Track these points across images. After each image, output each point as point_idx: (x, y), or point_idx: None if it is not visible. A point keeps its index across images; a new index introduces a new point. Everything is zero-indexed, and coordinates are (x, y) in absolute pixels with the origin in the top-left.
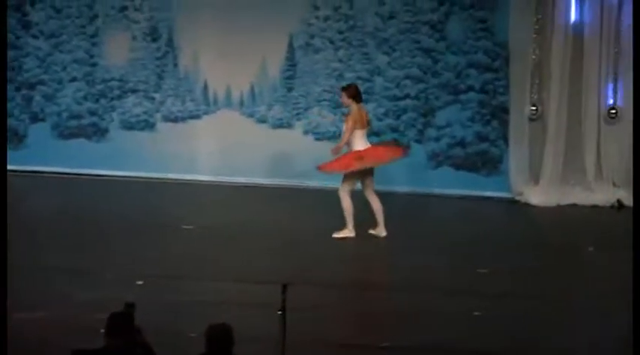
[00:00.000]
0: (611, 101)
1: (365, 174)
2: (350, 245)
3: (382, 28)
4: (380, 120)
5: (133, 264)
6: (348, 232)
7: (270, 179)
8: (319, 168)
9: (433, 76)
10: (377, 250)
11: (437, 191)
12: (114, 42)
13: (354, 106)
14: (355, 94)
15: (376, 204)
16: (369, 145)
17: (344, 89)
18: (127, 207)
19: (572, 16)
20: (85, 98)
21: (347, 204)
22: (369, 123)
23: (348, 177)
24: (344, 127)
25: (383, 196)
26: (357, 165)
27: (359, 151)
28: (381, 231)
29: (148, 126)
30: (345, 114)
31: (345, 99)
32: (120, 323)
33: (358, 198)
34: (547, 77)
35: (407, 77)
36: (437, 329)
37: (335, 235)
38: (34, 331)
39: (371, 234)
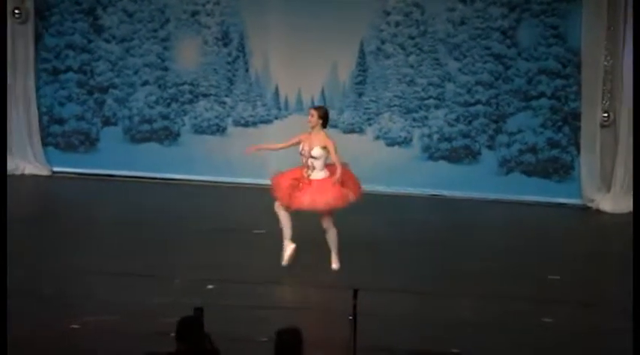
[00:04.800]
0: None
1: None
2: (416, 251)
3: (453, 34)
4: (451, 125)
5: (204, 268)
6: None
7: None
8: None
9: (504, 82)
10: (445, 257)
11: (508, 197)
12: (185, 46)
13: (320, 130)
14: (325, 118)
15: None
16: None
17: (315, 109)
18: (197, 212)
19: None
20: (157, 102)
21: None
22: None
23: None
24: (332, 156)
25: (452, 202)
26: (351, 196)
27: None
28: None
29: (219, 130)
30: (304, 138)
31: (314, 119)
32: (190, 328)
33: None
34: (619, 83)
35: (478, 83)
36: (506, 335)
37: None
38: (107, 334)
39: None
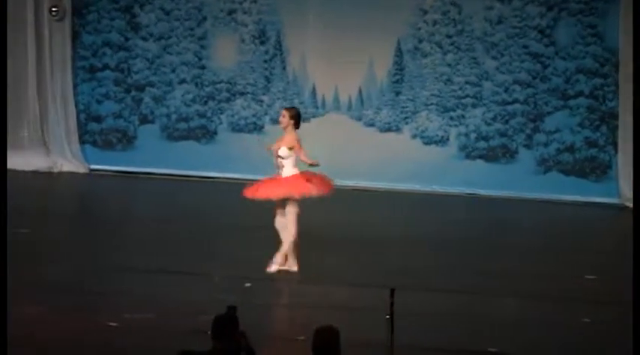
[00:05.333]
0: None
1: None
2: (453, 250)
3: (490, 33)
4: (488, 124)
5: (241, 266)
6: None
7: (377, 182)
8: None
9: (542, 80)
10: (482, 256)
11: (545, 196)
12: (222, 44)
13: (292, 130)
14: (297, 118)
15: (291, 236)
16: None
17: (287, 109)
18: (234, 209)
19: None
20: (194, 100)
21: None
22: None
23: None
24: (298, 153)
25: (489, 201)
26: (313, 190)
27: (304, 174)
28: (292, 265)
29: (257, 128)
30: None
31: (285, 119)
32: (225, 326)
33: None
34: None
35: (515, 82)
36: (543, 334)
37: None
38: (143, 331)
39: (282, 270)
